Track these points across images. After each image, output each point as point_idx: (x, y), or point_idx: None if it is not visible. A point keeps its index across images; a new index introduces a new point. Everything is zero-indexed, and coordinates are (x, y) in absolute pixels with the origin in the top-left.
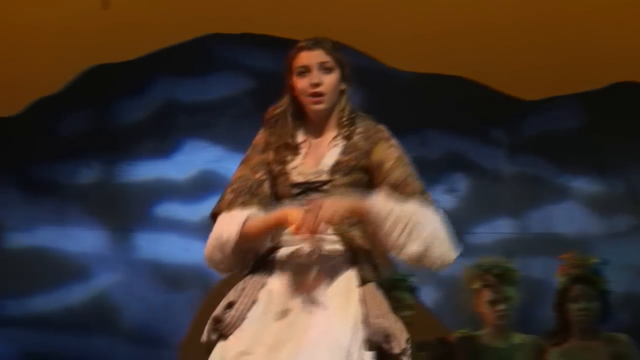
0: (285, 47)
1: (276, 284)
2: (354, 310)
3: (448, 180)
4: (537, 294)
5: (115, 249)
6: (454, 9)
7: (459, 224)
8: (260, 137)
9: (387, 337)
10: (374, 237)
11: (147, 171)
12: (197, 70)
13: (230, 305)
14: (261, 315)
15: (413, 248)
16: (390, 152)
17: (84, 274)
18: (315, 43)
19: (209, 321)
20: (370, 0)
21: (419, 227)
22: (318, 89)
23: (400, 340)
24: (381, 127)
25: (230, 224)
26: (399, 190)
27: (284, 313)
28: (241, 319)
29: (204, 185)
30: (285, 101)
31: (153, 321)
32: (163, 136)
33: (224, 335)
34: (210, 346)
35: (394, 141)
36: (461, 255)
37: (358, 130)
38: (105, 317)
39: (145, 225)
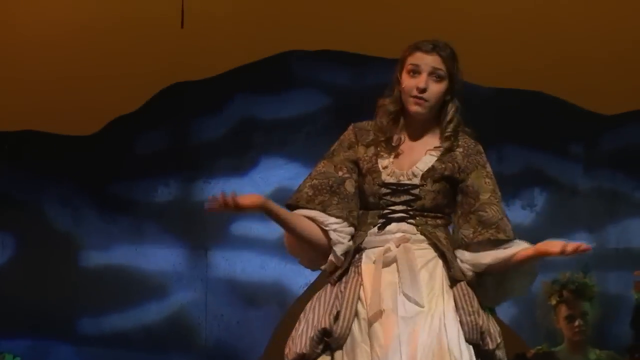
0: (362, 64)
1: (368, 287)
2: (452, 310)
3: (526, 196)
4: (614, 309)
5: (192, 267)
6: (532, 24)
7: (537, 239)
8: (350, 132)
9: (482, 333)
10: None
11: (224, 189)
12: (274, 87)
13: (337, 315)
14: (363, 330)
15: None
16: (487, 183)
17: (161, 292)
18: (434, 47)
19: (314, 331)
20: (447, 14)
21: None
22: (423, 94)
23: (494, 335)
24: (480, 148)
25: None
26: (494, 229)
27: (377, 316)
28: (348, 329)
29: (281, 203)
30: (397, 97)
31: (230, 339)
32: (240, 154)
33: (331, 349)
34: (311, 358)
35: (489, 168)
36: (539, 270)
37: (459, 144)
38: (182, 335)
39: (221, 243)
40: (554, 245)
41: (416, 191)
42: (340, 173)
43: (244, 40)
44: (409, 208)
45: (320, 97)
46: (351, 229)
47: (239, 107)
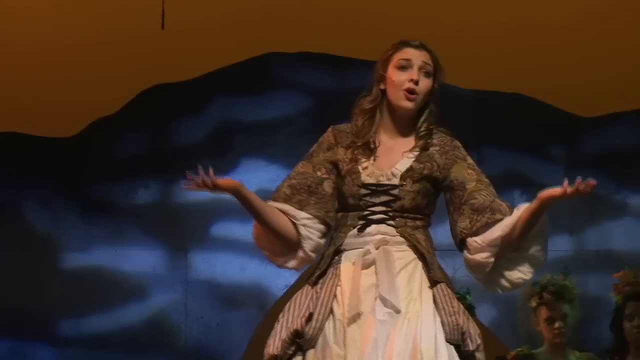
0: (343, 66)
1: (346, 289)
2: (430, 313)
3: (506, 198)
4: (594, 311)
5: (172, 269)
6: (512, 26)
7: None
8: (329, 134)
9: (463, 334)
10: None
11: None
12: (254, 90)
13: (310, 317)
14: (337, 330)
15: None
16: (470, 174)
17: (141, 293)
18: (422, 45)
19: (287, 333)
20: (428, 17)
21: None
22: (415, 87)
23: (474, 336)
24: (457, 143)
25: None
26: (489, 212)
27: (355, 318)
28: (320, 330)
29: None
30: (376, 95)
31: (210, 341)
32: (220, 156)
33: (303, 350)
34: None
35: (470, 160)
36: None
37: (434, 142)
38: (162, 337)
39: (201, 245)
40: (555, 189)
41: (395, 191)
42: (318, 174)
43: (224, 42)
44: (388, 209)
45: (301, 100)
46: (322, 227)
47: (219, 109)
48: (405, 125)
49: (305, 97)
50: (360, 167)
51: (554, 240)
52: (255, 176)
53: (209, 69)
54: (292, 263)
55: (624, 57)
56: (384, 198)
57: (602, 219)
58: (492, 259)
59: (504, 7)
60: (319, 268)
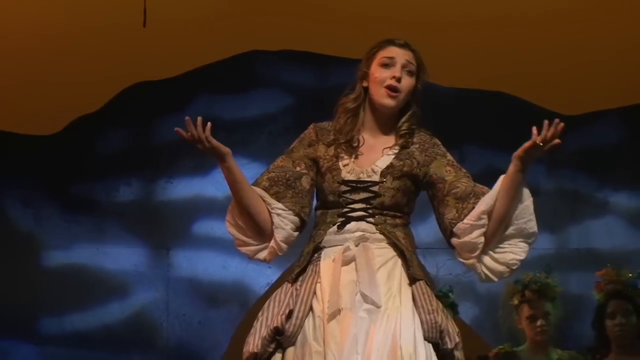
0: (325, 64)
1: (326, 285)
2: (409, 309)
3: None
4: (576, 309)
5: (153, 267)
6: (494, 24)
7: None
8: (310, 131)
9: (441, 332)
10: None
11: (185, 189)
12: (236, 87)
13: (290, 314)
14: (317, 327)
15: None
16: (448, 172)
17: (123, 291)
18: (407, 44)
19: (267, 331)
20: (410, 16)
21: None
22: (398, 84)
23: (453, 335)
24: (437, 140)
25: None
26: (473, 197)
27: (335, 314)
28: (300, 327)
29: None
30: (359, 92)
31: (191, 339)
32: (202, 154)
33: (283, 348)
34: (263, 357)
35: (449, 156)
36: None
37: (414, 140)
38: (143, 334)
39: (183, 243)
40: (526, 143)
41: (376, 188)
42: (297, 168)
43: (206, 40)
44: (368, 206)
45: (283, 97)
46: (296, 220)
47: (201, 106)
48: (386, 123)
49: (287, 95)
50: (340, 164)
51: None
52: None
53: (191, 67)
54: (263, 254)
55: (605, 56)
56: (363, 195)
57: (584, 218)
58: (482, 239)
59: (486, 6)
60: (299, 265)
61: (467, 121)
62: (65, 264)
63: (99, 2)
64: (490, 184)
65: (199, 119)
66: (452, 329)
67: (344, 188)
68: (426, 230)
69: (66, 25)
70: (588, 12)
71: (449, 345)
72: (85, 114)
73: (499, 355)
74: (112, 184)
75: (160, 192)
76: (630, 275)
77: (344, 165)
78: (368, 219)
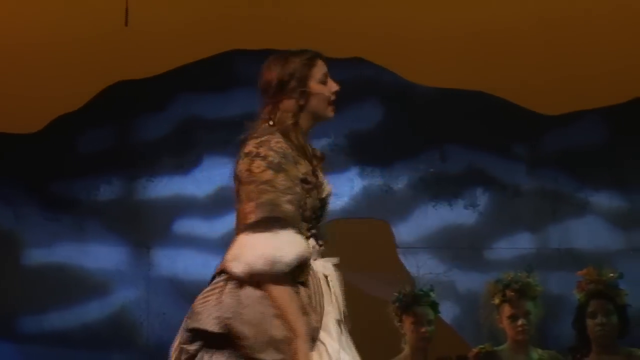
0: None
1: (327, 297)
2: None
3: (468, 195)
4: (557, 309)
5: (134, 265)
6: (475, 25)
7: (479, 239)
8: (286, 147)
9: None
10: None
11: (166, 187)
12: (217, 86)
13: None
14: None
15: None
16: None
17: (103, 290)
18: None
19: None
20: (391, 16)
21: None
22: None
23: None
24: None
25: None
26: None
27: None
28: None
29: (223, 202)
30: (294, 109)
31: (171, 338)
32: (183, 152)
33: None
34: None
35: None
36: (481, 270)
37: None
38: (123, 333)
39: (164, 242)
40: None
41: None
42: (297, 189)
43: (187, 39)
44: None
45: None
46: None
47: (182, 105)
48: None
49: None
50: (321, 180)
51: (516, 238)
52: (219, 173)
53: (172, 66)
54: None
55: (585, 57)
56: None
57: (564, 217)
58: None
59: (467, 8)
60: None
61: (448, 121)
62: (46, 262)
63: (81, 2)
64: (472, 184)
65: None
66: None
67: (320, 204)
68: (407, 230)
69: (47, 25)
70: (569, 13)
71: None
72: (66, 113)
73: (479, 355)
74: (93, 183)
75: (141, 190)
76: (612, 275)
77: (322, 182)
78: (319, 237)
